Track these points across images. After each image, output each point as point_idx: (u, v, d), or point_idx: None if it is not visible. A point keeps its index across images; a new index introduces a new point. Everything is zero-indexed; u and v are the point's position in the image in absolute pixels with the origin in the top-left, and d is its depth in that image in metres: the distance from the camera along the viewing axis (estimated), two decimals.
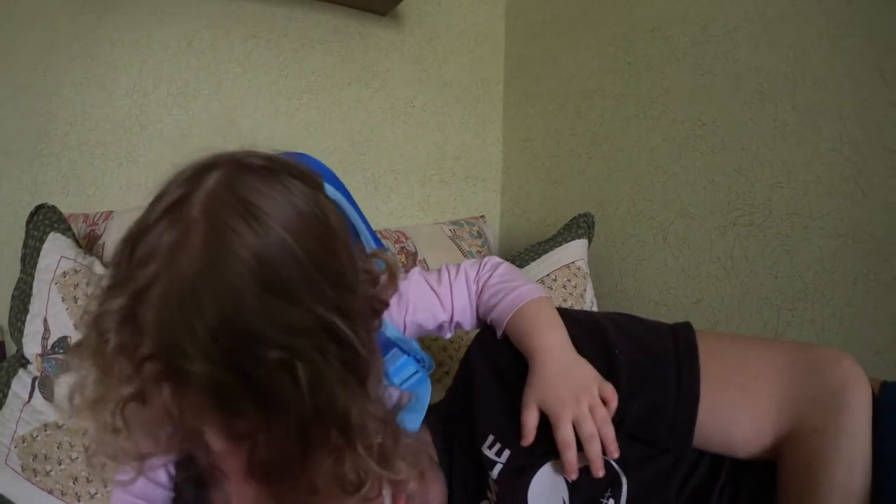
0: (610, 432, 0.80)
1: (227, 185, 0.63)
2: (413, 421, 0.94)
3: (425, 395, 0.97)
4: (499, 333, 0.96)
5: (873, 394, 0.75)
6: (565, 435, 0.80)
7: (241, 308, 0.57)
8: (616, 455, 0.80)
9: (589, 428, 0.79)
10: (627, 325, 0.91)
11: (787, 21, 1.38)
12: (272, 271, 0.60)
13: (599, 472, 0.80)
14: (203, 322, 0.56)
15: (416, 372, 0.97)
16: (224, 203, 0.61)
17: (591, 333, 0.90)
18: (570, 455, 0.80)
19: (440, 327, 1.04)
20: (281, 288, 0.60)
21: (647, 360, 0.84)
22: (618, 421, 0.82)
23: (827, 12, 1.31)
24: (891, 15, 1.21)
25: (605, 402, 0.82)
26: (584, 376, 0.84)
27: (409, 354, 0.97)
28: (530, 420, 0.83)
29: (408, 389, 0.95)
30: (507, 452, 0.87)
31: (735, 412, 0.79)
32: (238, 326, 0.57)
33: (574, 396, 0.81)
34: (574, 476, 0.80)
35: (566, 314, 0.95)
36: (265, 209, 0.62)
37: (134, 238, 0.62)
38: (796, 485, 0.72)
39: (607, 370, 0.84)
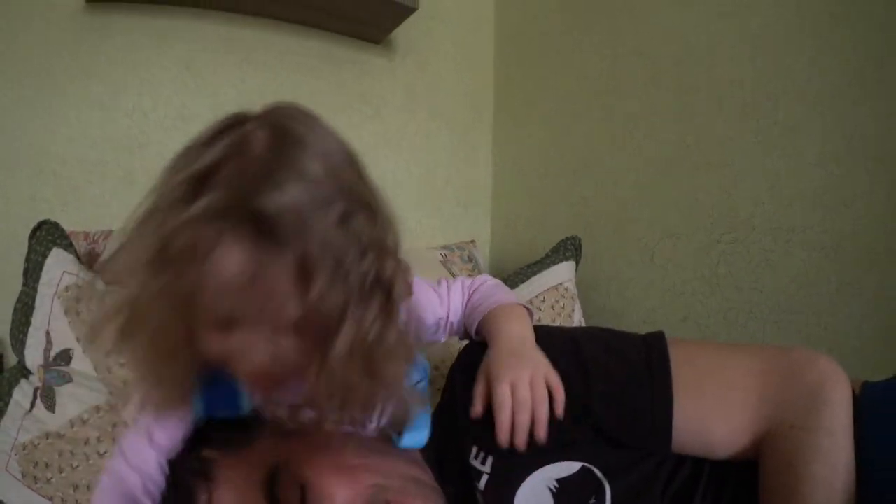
0: (543, 412, 0.81)
1: (273, 110, 0.68)
2: (418, 439, 0.91)
3: (427, 411, 0.96)
4: (473, 330, 0.98)
5: (854, 393, 0.76)
6: (500, 395, 0.81)
7: (311, 176, 0.62)
8: (543, 437, 0.81)
9: (523, 394, 0.81)
10: (601, 337, 0.92)
11: (768, 37, 1.42)
12: (332, 160, 0.65)
13: (521, 445, 0.81)
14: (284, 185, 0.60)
15: (421, 381, 0.98)
16: (280, 114, 0.67)
17: (565, 345, 0.91)
18: (504, 416, 0.81)
19: (437, 325, 1.04)
20: (343, 169, 0.66)
21: (621, 369, 0.85)
22: (580, 414, 0.84)
23: (806, 28, 1.35)
24: (867, 29, 1.25)
25: (550, 392, 0.83)
26: (535, 358, 0.86)
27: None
28: (478, 390, 0.86)
29: None
30: (490, 459, 0.88)
31: (712, 418, 0.79)
32: (312, 187, 0.61)
33: (517, 367, 0.84)
34: (504, 440, 0.81)
35: (541, 329, 0.96)
36: (314, 125, 0.68)
37: (186, 154, 0.65)
38: (778, 483, 0.73)
39: (582, 382, 0.85)
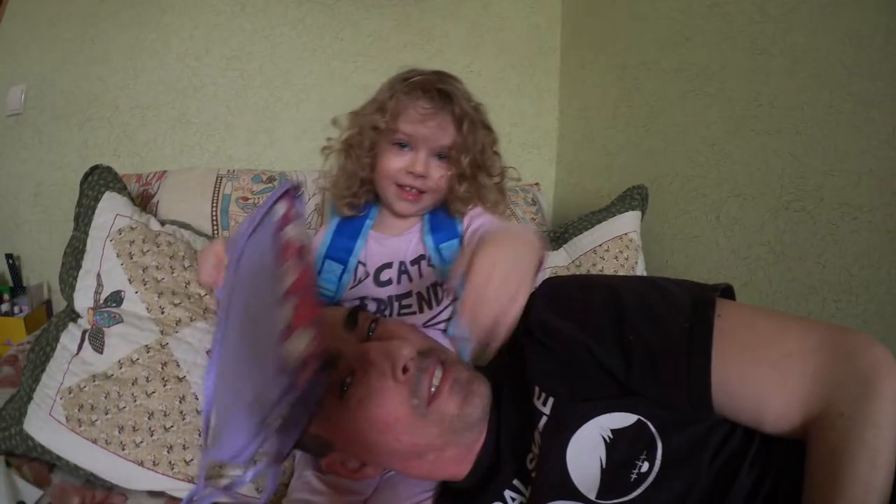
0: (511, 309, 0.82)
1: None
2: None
3: None
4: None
5: None
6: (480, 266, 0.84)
7: (460, 86, 1.23)
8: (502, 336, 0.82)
9: (503, 269, 0.84)
10: (648, 302, 0.89)
11: (844, 6, 1.33)
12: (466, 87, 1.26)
13: (480, 320, 0.81)
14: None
15: None
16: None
17: (610, 314, 0.89)
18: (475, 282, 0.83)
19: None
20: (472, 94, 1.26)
21: (661, 341, 0.84)
22: (620, 391, 0.85)
23: (882, 0, 1.25)
24: None
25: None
26: (525, 267, 0.88)
27: None
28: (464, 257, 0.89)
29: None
30: (551, 400, 0.91)
31: (765, 387, 0.78)
32: (463, 89, 1.23)
33: (508, 261, 0.86)
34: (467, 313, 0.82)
35: (590, 285, 0.96)
36: None
37: (392, 79, 1.25)
38: (820, 472, 0.72)
39: (623, 354, 0.85)
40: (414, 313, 1.24)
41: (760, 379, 0.78)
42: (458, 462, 0.98)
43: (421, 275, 1.24)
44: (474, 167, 1.23)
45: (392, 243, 1.27)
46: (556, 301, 0.96)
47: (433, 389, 0.93)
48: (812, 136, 1.40)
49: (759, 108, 1.54)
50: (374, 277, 1.25)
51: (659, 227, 1.88)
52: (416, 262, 1.24)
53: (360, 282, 1.25)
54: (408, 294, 1.23)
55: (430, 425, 0.92)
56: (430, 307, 1.24)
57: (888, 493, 0.67)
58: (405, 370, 0.92)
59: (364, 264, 1.26)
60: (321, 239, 1.30)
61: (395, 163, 1.20)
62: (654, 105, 1.92)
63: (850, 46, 1.31)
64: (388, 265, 1.25)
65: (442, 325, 1.27)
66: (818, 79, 1.38)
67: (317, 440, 1.00)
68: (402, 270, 1.24)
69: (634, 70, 2.00)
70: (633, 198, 1.78)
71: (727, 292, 0.90)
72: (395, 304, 1.23)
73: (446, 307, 1.26)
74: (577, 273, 1.65)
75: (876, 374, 0.72)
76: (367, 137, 1.23)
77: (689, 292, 0.88)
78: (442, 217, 1.28)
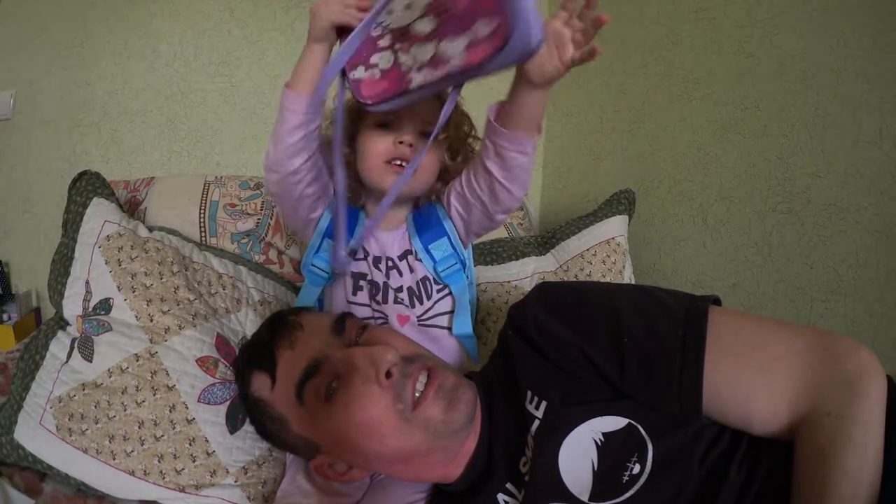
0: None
1: None
2: (463, 325, 1.25)
3: (463, 296, 1.25)
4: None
5: (893, 387, 0.75)
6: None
7: None
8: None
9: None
10: (643, 307, 0.91)
11: (831, 10, 1.34)
12: None
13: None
14: None
15: (455, 264, 1.23)
16: None
17: (605, 316, 0.91)
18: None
19: None
20: None
21: (656, 344, 0.85)
22: (616, 382, 0.87)
23: (870, 4, 1.27)
24: None
25: None
26: None
27: (454, 249, 1.23)
28: None
29: (445, 278, 1.23)
30: (543, 404, 0.92)
31: (753, 390, 0.79)
32: None
33: None
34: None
35: (585, 290, 1.00)
36: None
37: None
38: (809, 470, 0.73)
39: (617, 355, 0.87)
40: (406, 307, 1.22)
41: (748, 382, 0.80)
42: (445, 465, 1.00)
43: (411, 269, 1.22)
44: (455, 154, 1.23)
45: (381, 237, 1.24)
46: (550, 303, 0.98)
47: (417, 395, 0.95)
48: (799, 139, 1.41)
49: (746, 112, 1.55)
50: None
51: (646, 230, 1.89)
52: (403, 257, 1.22)
53: (359, 259, 1.23)
54: (399, 289, 1.22)
55: (415, 430, 0.93)
56: (422, 302, 1.23)
57: (877, 489, 0.69)
58: (389, 375, 0.93)
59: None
60: (323, 218, 1.25)
61: (379, 144, 1.14)
62: (641, 109, 1.93)
63: (836, 49, 1.33)
64: (378, 259, 1.22)
65: (444, 321, 1.27)
66: (805, 81, 1.39)
67: (305, 442, 1.02)
68: (391, 266, 1.22)
69: (621, 75, 2.01)
70: (621, 202, 1.79)
71: (714, 303, 0.91)
72: (391, 292, 1.21)
73: (438, 301, 1.25)
74: (566, 279, 1.66)
75: (862, 375, 0.74)
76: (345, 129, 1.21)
77: (682, 301, 0.90)
78: (427, 217, 1.25)
